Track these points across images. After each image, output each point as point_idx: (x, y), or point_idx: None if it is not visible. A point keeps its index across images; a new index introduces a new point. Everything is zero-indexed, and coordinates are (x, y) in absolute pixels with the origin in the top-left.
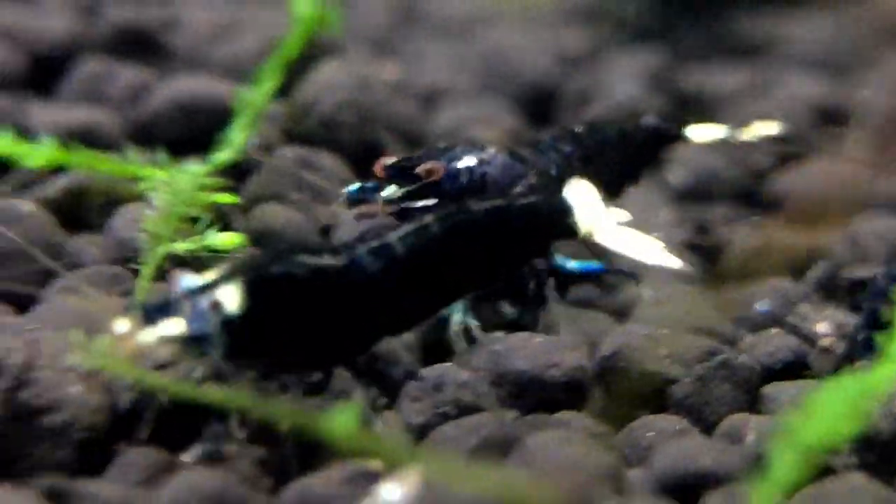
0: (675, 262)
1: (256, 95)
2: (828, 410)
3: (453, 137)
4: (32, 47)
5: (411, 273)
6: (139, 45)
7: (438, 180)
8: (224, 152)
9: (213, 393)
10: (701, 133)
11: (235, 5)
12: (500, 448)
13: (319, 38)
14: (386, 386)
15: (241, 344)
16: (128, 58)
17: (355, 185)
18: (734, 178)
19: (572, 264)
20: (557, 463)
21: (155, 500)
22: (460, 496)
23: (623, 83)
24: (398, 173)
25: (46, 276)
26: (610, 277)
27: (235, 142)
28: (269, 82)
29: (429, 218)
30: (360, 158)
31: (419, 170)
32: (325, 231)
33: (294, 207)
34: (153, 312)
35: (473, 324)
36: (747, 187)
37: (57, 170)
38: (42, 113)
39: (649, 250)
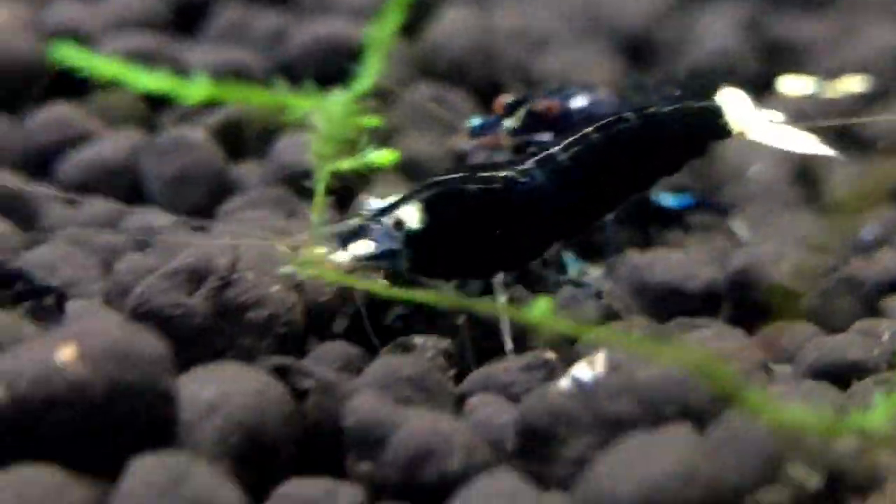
0: (829, 151)
1: (383, 31)
2: None
3: (561, 80)
4: None
5: (577, 181)
6: None
7: (554, 117)
8: (361, 82)
9: (402, 292)
10: (792, 85)
11: None
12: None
13: None
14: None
15: (424, 256)
16: (261, 3)
17: (477, 119)
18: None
19: (669, 199)
20: (717, 353)
21: (358, 382)
22: (646, 371)
23: (714, 32)
24: (515, 110)
25: (220, 197)
26: (704, 212)
27: (370, 73)
28: (393, 19)
29: (589, 128)
30: (484, 95)
31: (538, 107)
32: (460, 159)
33: (429, 138)
34: (346, 235)
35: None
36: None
37: (212, 104)
38: (191, 53)
39: (803, 142)
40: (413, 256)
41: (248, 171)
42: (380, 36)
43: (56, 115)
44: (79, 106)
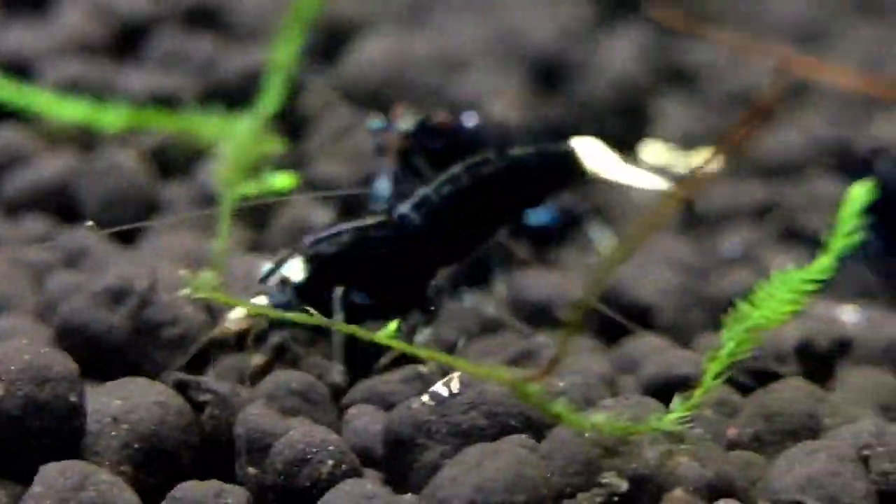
0: (665, 185)
1: (284, 55)
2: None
3: (473, 104)
4: (117, 20)
5: (449, 218)
6: (206, 18)
7: (447, 130)
8: (265, 106)
9: (292, 316)
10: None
11: None
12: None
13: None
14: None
15: (314, 304)
16: (198, 30)
17: (376, 122)
18: None
19: (538, 217)
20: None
21: (254, 393)
22: (494, 388)
23: (616, 57)
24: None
25: (148, 216)
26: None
27: (272, 97)
28: (293, 42)
29: (457, 169)
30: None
31: (434, 119)
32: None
33: (343, 163)
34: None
35: None
36: None
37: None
38: (128, 78)
39: (647, 179)
40: (304, 305)
41: (175, 192)
42: (281, 59)
43: (2, 138)
44: (23, 128)
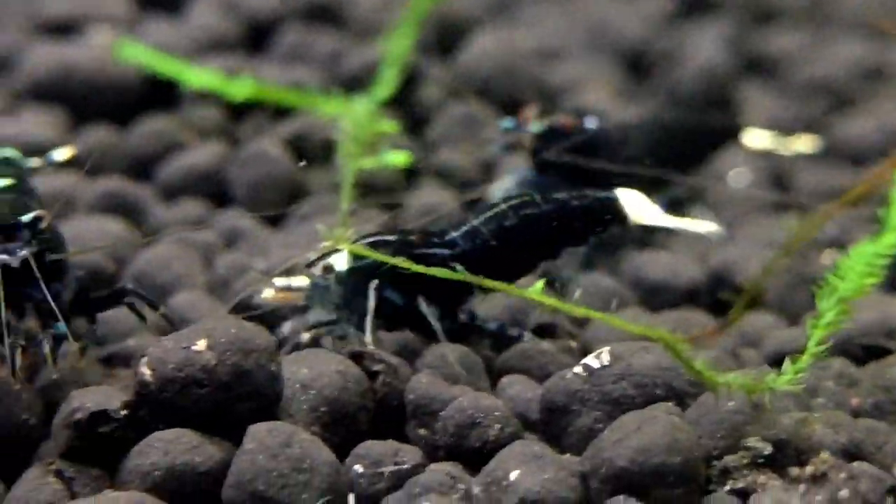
0: (710, 227)
1: (399, 45)
2: None
3: (568, 92)
4: (247, 16)
5: (489, 251)
6: (327, 14)
7: (570, 131)
8: (380, 90)
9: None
10: (753, 139)
11: None
12: None
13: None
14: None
15: (349, 294)
16: (320, 25)
17: (508, 122)
18: None
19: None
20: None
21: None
22: (641, 361)
23: (703, 47)
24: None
25: (293, 200)
26: None
27: (388, 82)
28: (407, 34)
29: (504, 206)
30: (507, 110)
31: (558, 121)
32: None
33: (462, 151)
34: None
35: None
36: None
37: (282, 115)
38: (258, 73)
39: (685, 224)
40: (341, 293)
41: (315, 177)
42: (396, 49)
43: (154, 127)
44: (171, 118)
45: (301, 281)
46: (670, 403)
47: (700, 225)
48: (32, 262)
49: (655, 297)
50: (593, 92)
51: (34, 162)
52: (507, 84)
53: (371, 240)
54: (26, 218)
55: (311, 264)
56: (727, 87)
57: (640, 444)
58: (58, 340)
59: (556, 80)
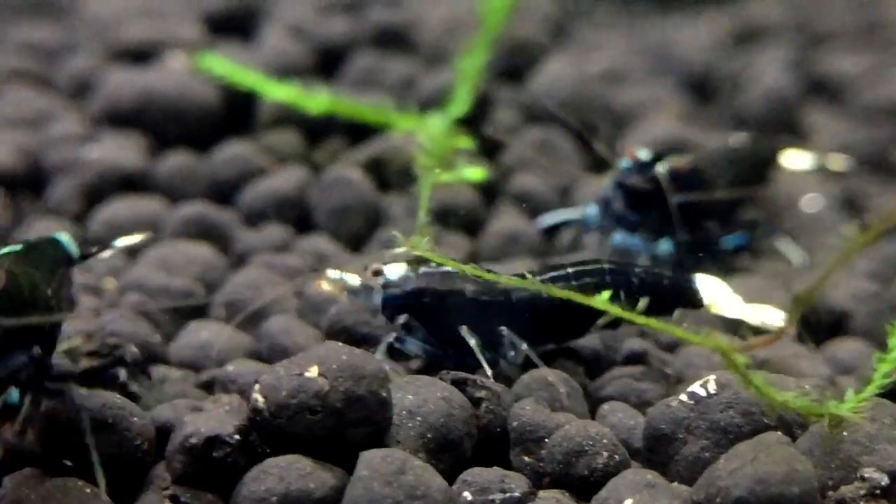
0: (780, 318)
1: (471, 65)
2: None
3: (633, 116)
4: (317, 42)
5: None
6: (396, 40)
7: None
8: (455, 107)
9: None
10: (793, 160)
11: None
12: None
13: (522, 36)
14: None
15: (390, 301)
16: (387, 50)
17: (628, 162)
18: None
19: (731, 241)
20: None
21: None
22: (746, 392)
23: (767, 70)
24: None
25: (374, 225)
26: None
27: (461, 100)
28: (480, 54)
29: (570, 270)
30: (578, 135)
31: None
32: (563, 191)
33: (539, 176)
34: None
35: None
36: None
37: (358, 140)
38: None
39: (762, 313)
40: (383, 300)
41: (393, 202)
42: (468, 69)
43: (234, 152)
44: (250, 143)
45: (353, 278)
46: (779, 433)
47: (771, 314)
48: None
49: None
50: (660, 116)
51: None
52: (578, 108)
53: (433, 272)
54: None
55: (367, 266)
56: (793, 111)
57: (757, 473)
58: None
59: (624, 103)
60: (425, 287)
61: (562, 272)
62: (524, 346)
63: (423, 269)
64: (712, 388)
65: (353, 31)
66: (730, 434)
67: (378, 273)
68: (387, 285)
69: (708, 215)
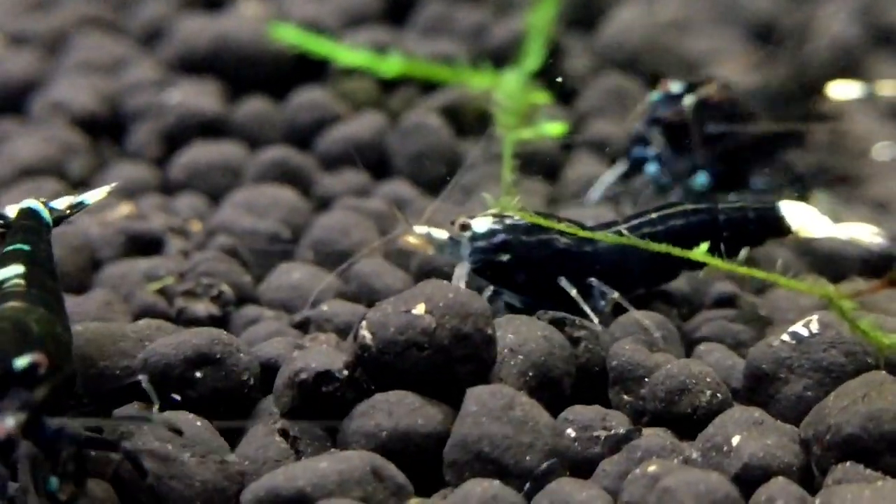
0: (877, 239)
1: (541, 18)
2: None
3: (702, 65)
4: None
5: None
6: None
7: (717, 102)
8: (528, 62)
9: None
10: (840, 91)
11: None
12: None
13: None
14: None
15: (478, 253)
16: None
17: (657, 95)
18: None
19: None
20: None
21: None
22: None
23: (833, 19)
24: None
25: (452, 170)
26: None
27: (534, 54)
28: (549, 8)
29: (654, 215)
30: (651, 81)
31: (704, 93)
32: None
33: (614, 122)
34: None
35: None
36: None
37: (430, 88)
38: (403, 46)
39: (856, 231)
40: (471, 252)
41: (470, 148)
42: (539, 21)
43: (310, 98)
44: (325, 90)
45: (440, 233)
46: (884, 372)
47: (864, 230)
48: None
49: (830, 266)
50: (729, 64)
51: (63, 203)
52: (650, 57)
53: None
54: (20, 364)
55: (457, 223)
56: (859, 60)
57: (869, 410)
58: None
59: (693, 52)
60: (512, 239)
61: (646, 218)
62: (615, 294)
63: (509, 221)
64: (815, 327)
65: None
66: (833, 373)
67: (465, 227)
68: (474, 238)
69: (746, 150)
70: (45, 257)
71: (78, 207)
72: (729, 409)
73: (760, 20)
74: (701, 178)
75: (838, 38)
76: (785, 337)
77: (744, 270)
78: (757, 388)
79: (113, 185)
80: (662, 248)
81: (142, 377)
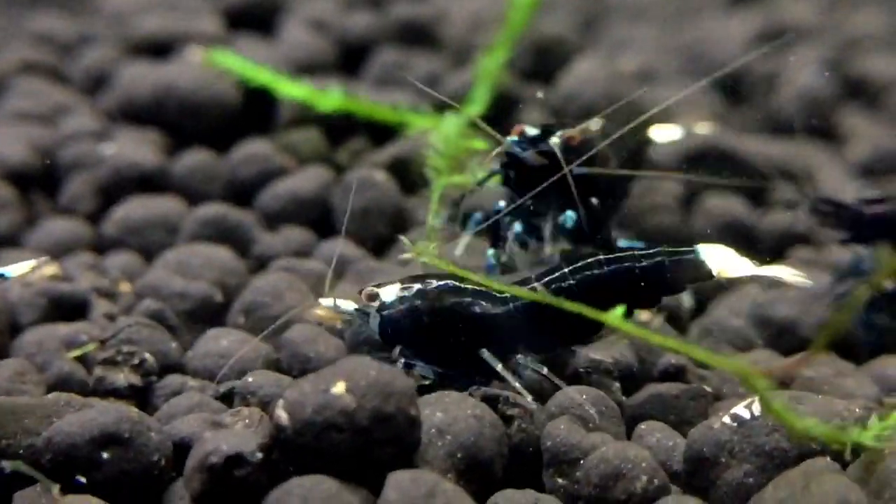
0: (801, 279)
1: (491, 64)
2: None
3: (666, 116)
4: (339, 37)
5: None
6: (420, 36)
7: (577, 145)
8: (471, 107)
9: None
10: (661, 135)
11: None
12: None
13: (551, 35)
14: None
15: (386, 326)
16: (412, 46)
17: (514, 138)
18: None
19: None
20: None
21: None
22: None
23: (805, 70)
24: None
25: (399, 228)
26: None
27: (479, 100)
28: (500, 54)
29: (565, 269)
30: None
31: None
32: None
33: None
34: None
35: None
36: None
37: (380, 143)
38: (357, 92)
39: (779, 271)
40: (379, 322)
41: (419, 204)
42: (488, 68)
43: (254, 151)
44: (270, 142)
45: (348, 304)
46: (827, 459)
47: (784, 271)
48: None
49: (782, 338)
50: (693, 116)
51: None
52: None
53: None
54: None
55: (362, 290)
56: (828, 111)
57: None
58: None
59: (655, 103)
60: (421, 306)
61: (559, 273)
62: (544, 370)
63: (419, 287)
64: (757, 409)
65: (376, 26)
66: (776, 459)
67: (373, 297)
68: (382, 308)
69: (604, 190)
70: None
71: None
72: (664, 496)
73: (727, 71)
74: (570, 215)
75: (807, 89)
76: (726, 419)
77: (657, 339)
78: (697, 473)
79: (41, 259)
80: (578, 307)
81: (5, 464)
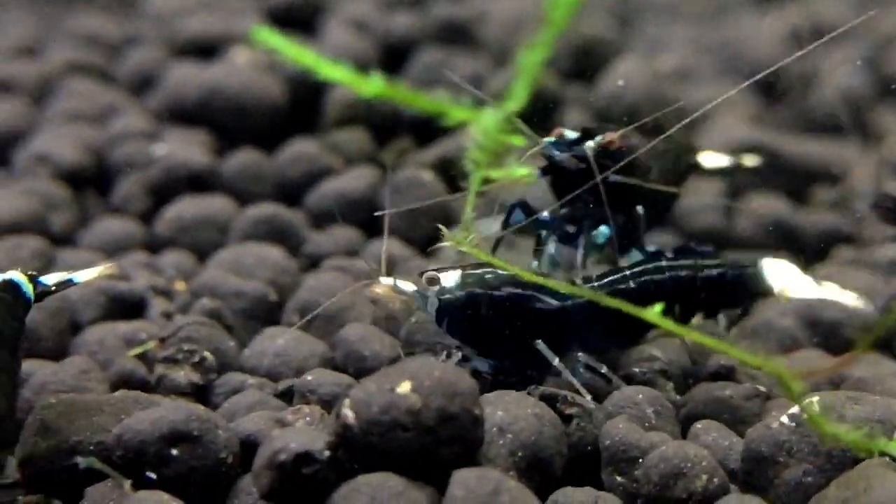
0: (859, 302)
1: (532, 59)
2: None
3: (704, 117)
4: (381, 37)
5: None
6: (461, 36)
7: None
8: (512, 102)
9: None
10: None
11: None
12: None
13: (592, 35)
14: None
15: (444, 311)
16: (452, 47)
17: (551, 139)
18: None
19: None
20: None
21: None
22: (853, 411)
23: (841, 70)
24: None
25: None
26: None
27: (519, 94)
28: (539, 51)
29: (627, 272)
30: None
31: (604, 140)
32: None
33: None
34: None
35: None
36: None
37: (425, 140)
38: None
39: (839, 294)
40: (437, 307)
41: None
42: (528, 64)
43: (302, 150)
44: (317, 142)
45: (408, 285)
46: (886, 458)
47: (850, 297)
48: None
49: (831, 337)
50: (730, 117)
51: (52, 279)
52: (651, 109)
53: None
54: None
55: (424, 274)
56: (864, 111)
57: (866, 500)
58: None
59: (694, 103)
60: (481, 295)
61: (620, 275)
62: (604, 369)
63: (479, 275)
64: (815, 409)
65: (418, 27)
66: (834, 459)
67: (433, 281)
68: (442, 293)
69: (644, 203)
70: (11, 335)
71: (66, 284)
72: (725, 495)
73: (765, 70)
74: (604, 231)
75: (844, 89)
76: (784, 418)
77: (695, 335)
78: (755, 472)
79: (107, 265)
80: (633, 308)
81: (80, 460)
